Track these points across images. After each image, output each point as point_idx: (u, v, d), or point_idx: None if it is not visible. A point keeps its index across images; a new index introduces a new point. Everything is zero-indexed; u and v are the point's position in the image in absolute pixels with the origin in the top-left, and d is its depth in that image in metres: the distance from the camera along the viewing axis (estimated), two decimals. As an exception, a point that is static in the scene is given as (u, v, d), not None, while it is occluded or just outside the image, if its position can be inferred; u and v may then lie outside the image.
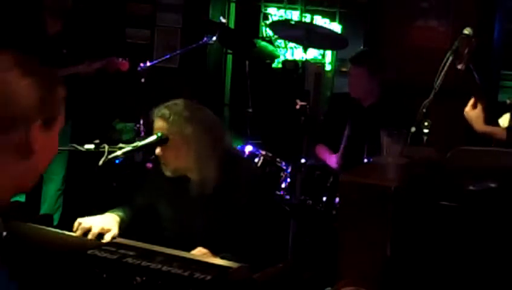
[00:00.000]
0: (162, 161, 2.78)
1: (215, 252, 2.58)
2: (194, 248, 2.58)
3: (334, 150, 4.17)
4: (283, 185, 3.87)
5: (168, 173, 2.79)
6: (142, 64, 4.69)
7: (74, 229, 2.54)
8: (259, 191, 2.86)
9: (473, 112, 2.93)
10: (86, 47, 4.58)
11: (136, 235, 2.67)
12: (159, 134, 2.71)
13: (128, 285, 1.92)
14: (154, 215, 2.89)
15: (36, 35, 4.40)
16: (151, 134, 2.77)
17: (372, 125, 3.72)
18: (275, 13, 6.51)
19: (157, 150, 2.76)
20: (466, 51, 2.78)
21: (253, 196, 2.77)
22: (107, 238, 2.52)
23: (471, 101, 2.94)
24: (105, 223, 2.58)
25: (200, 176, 2.76)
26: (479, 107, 2.91)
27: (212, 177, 2.75)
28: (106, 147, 2.54)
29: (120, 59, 4.60)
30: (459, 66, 2.78)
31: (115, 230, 2.58)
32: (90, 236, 2.51)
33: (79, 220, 2.56)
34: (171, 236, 2.81)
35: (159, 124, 2.74)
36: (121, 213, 2.74)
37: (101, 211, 2.77)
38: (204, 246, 2.59)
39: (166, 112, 2.73)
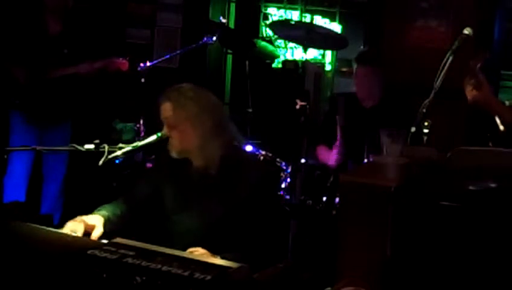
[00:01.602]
0: (169, 141, 2.82)
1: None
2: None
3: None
4: (283, 185, 3.87)
5: (174, 154, 2.82)
6: (142, 64, 4.69)
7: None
8: (261, 187, 2.87)
9: (481, 94, 2.83)
10: (87, 47, 4.57)
11: (138, 227, 2.70)
12: (159, 134, 2.74)
13: (128, 285, 1.91)
14: (157, 204, 2.91)
15: (38, 36, 4.40)
16: (151, 134, 2.78)
17: (372, 125, 3.71)
18: (275, 13, 6.51)
19: (165, 130, 2.81)
20: (479, 66, 2.76)
21: (255, 191, 2.79)
22: (93, 236, 2.62)
23: (469, 82, 2.84)
24: (89, 223, 2.65)
25: (204, 159, 2.80)
26: (485, 86, 2.82)
27: (216, 160, 2.79)
28: (106, 147, 2.55)
29: (120, 58, 4.60)
30: (472, 81, 2.75)
31: (100, 229, 2.67)
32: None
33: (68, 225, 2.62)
34: (173, 226, 2.84)
35: (165, 105, 2.79)
36: (105, 212, 2.78)
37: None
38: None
39: (172, 93, 2.80)
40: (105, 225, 2.71)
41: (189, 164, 2.85)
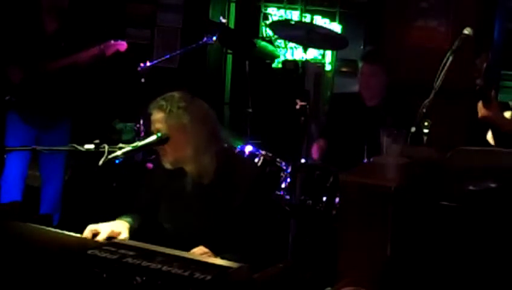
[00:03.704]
0: (161, 152, 2.80)
1: (212, 251, 2.59)
2: (191, 245, 2.59)
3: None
4: (283, 185, 3.86)
5: (167, 165, 2.80)
6: (142, 64, 4.68)
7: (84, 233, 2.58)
8: (254, 193, 2.84)
9: (492, 113, 2.82)
10: (85, 41, 4.53)
11: (136, 235, 2.69)
12: (159, 134, 2.72)
13: (128, 285, 1.91)
14: (154, 212, 2.90)
15: (34, 36, 4.39)
16: (151, 134, 2.77)
17: (372, 125, 3.71)
18: (275, 13, 6.51)
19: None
20: (484, 65, 2.75)
21: (247, 198, 2.77)
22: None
23: (481, 104, 2.84)
24: (114, 228, 2.63)
25: (198, 169, 2.78)
26: (494, 104, 2.81)
27: (209, 171, 2.77)
28: (106, 147, 2.54)
29: (118, 40, 4.56)
30: (478, 82, 2.74)
31: (125, 234, 2.65)
32: (99, 239, 2.55)
33: (90, 226, 2.60)
34: (169, 233, 2.82)
35: (157, 116, 2.75)
36: (129, 219, 2.77)
37: (101, 211, 2.78)
38: (202, 245, 2.60)
39: (163, 103, 2.76)
40: (130, 231, 2.69)
41: (183, 175, 2.82)
